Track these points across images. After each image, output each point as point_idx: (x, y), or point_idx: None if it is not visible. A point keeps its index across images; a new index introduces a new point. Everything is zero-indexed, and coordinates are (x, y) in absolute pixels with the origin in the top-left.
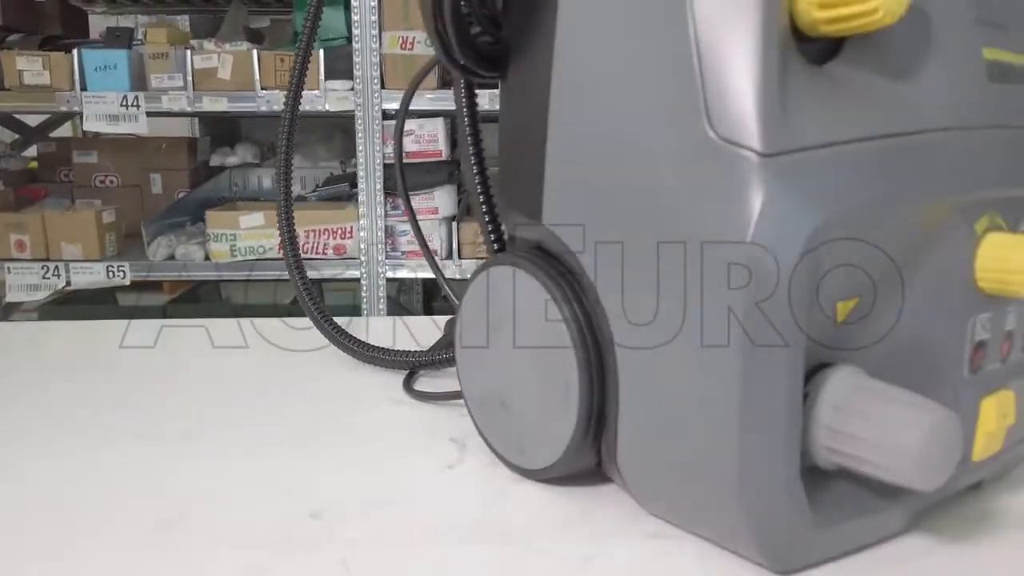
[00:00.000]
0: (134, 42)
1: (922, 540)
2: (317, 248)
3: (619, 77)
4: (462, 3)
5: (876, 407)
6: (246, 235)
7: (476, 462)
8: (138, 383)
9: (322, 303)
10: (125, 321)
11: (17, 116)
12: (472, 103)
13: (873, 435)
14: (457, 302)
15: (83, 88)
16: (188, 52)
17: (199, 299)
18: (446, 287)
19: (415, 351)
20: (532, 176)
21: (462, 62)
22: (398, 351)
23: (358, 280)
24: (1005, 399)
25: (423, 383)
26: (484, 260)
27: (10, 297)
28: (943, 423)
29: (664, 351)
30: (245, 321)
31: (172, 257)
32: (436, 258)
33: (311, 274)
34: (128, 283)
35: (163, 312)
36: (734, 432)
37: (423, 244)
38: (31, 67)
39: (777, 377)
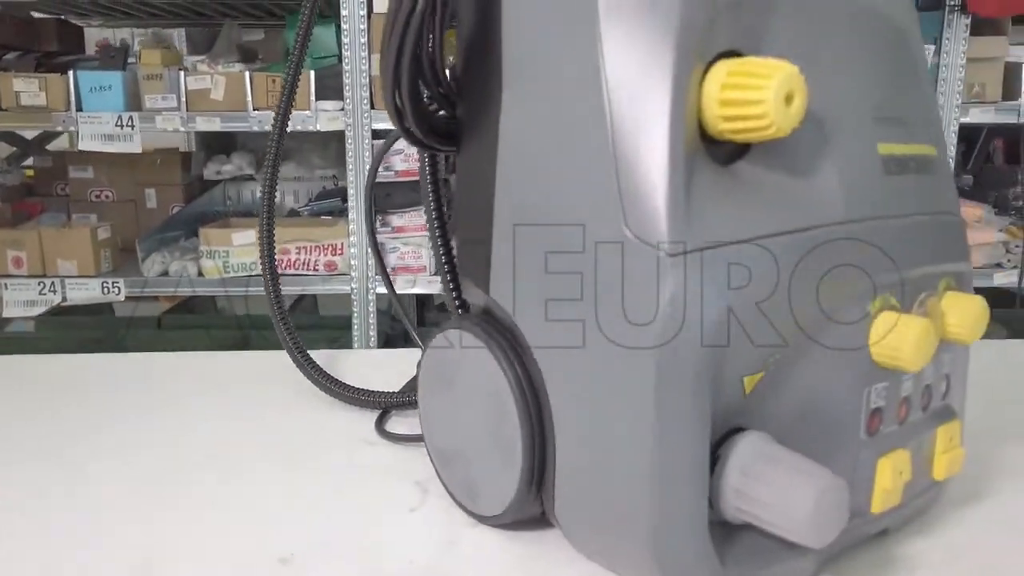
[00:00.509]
0: (129, 61)
1: None
2: (309, 264)
3: (552, 169)
4: (422, 79)
5: (774, 473)
6: (239, 252)
7: (436, 505)
8: (106, 422)
9: (303, 344)
10: (100, 355)
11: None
12: (435, 171)
13: (771, 499)
14: (413, 331)
15: (79, 108)
16: (182, 73)
17: (194, 310)
18: (405, 321)
19: (385, 392)
20: (482, 249)
21: (418, 136)
22: (369, 392)
23: (349, 295)
24: (901, 458)
25: (395, 423)
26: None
27: (7, 313)
28: (830, 489)
29: (589, 418)
30: (226, 355)
31: (166, 273)
32: (424, 274)
33: (307, 290)
34: (123, 299)
35: (158, 323)
36: (647, 490)
37: (383, 271)
38: (28, 88)
39: (685, 444)
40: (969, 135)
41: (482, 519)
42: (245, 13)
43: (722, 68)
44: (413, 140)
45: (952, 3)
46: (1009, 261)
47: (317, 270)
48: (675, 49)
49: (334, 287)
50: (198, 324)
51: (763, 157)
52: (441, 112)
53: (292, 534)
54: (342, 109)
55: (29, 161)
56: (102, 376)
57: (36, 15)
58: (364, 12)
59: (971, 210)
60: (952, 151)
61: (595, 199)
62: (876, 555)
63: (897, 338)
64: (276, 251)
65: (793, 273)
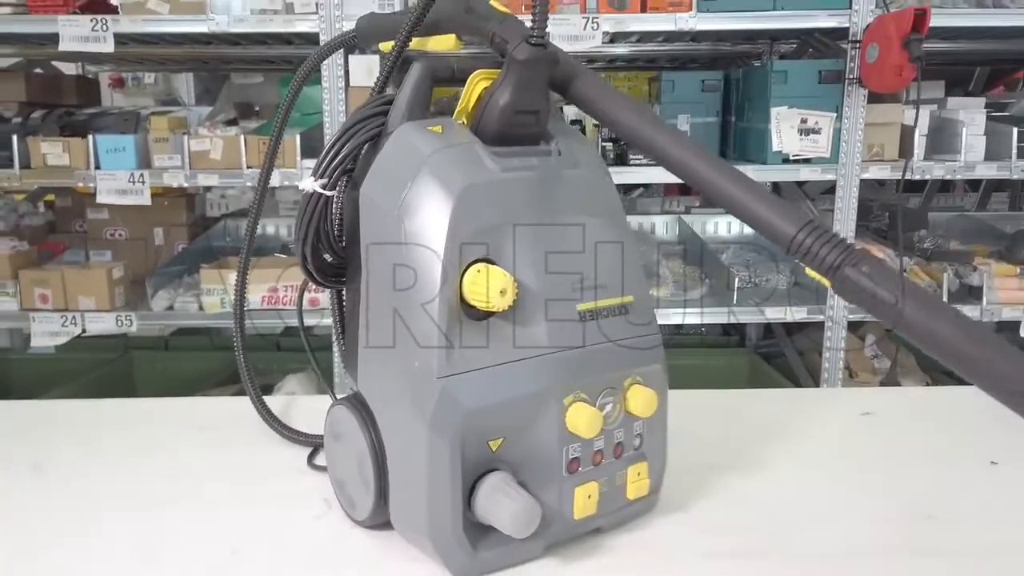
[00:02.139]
0: (140, 123)
1: (553, 559)
2: (294, 301)
3: (384, 316)
4: (320, 244)
5: (497, 496)
6: (233, 289)
7: (334, 514)
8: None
9: (259, 392)
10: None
11: None
12: (339, 301)
13: (495, 511)
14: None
15: (97, 167)
16: (185, 137)
17: (196, 331)
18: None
19: (314, 434)
20: (352, 355)
21: (316, 277)
22: (302, 433)
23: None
24: (591, 487)
25: (322, 457)
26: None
27: (34, 343)
28: (522, 507)
29: (400, 465)
30: (206, 399)
31: (172, 307)
32: None
33: (290, 323)
34: (134, 330)
35: (165, 345)
36: (425, 507)
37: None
38: (53, 150)
39: (445, 479)
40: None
41: (357, 523)
42: (245, 62)
43: (471, 271)
44: (313, 280)
45: (851, 77)
46: None
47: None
48: (444, 260)
49: (319, 320)
50: (200, 347)
51: (502, 317)
52: (332, 261)
53: (240, 532)
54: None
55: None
56: (107, 419)
57: (56, 64)
58: (342, 84)
59: (875, 253)
60: (855, 203)
61: (404, 339)
62: (590, 542)
63: (575, 419)
64: (267, 288)
65: (517, 383)
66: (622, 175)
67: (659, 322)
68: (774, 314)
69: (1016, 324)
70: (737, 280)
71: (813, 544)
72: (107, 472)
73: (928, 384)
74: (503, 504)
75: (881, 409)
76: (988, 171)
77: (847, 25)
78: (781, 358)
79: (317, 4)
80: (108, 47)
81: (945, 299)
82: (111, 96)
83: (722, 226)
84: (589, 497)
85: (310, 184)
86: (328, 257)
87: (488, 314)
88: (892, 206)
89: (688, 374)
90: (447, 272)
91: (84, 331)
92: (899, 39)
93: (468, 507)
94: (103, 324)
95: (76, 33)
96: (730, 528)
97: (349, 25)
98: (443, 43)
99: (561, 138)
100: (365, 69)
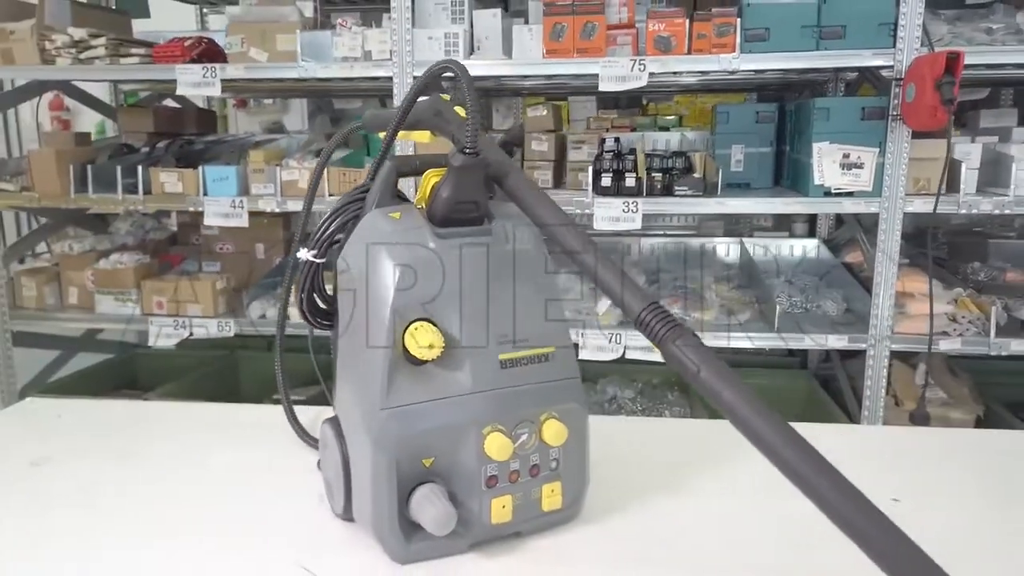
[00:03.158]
0: (243, 155)
1: (476, 555)
2: None
3: (353, 357)
4: (315, 296)
5: (424, 503)
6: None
7: (324, 508)
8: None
9: (290, 400)
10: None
11: None
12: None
13: (421, 513)
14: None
15: (205, 193)
16: (278, 168)
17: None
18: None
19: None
20: (332, 383)
21: (310, 319)
22: (315, 439)
23: None
24: (505, 499)
25: None
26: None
27: (151, 342)
28: (441, 512)
29: (357, 473)
30: (246, 407)
31: (264, 316)
32: None
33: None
34: (232, 335)
35: (268, 345)
36: (370, 507)
37: (310, 342)
38: (169, 179)
39: (383, 488)
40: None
41: (337, 515)
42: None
43: (411, 328)
44: (309, 323)
45: (894, 114)
46: (955, 330)
47: None
48: (389, 318)
49: None
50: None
51: (436, 363)
52: (324, 306)
53: (245, 516)
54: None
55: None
56: (161, 421)
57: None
58: None
59: (915, 284)
60: (898, 236)
61: (360, 377)
62: (509, 543)
63: (490, 445)
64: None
65: (443, 415)
66: (667, 205)
67: (711, 344)
68: (814, 341)
69: None
70: (778, 306)
71: (708, 558)
72: (169, 462)
73: (979, 417)
74: (426, 509)
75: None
76: None
77: (891, 63)
78: (837, 382)
79: (391, 52)
80: (216, 91)
81: (992, 332)
82: (236, 116)
83: (784, 249)
84: (504, 507)
85: (304, 254)
86: (322, 304)
87: (424, 361)
88: (956, 235)
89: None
90: (391, 327)
91: (191, 334)
92: (932, 81)
93: (406, 508)
94: (207, 329)
95: (190, 79)
96: (637, 539)
97: (420, 70)
98: (421, 136)
99: (501, 220)
100: None
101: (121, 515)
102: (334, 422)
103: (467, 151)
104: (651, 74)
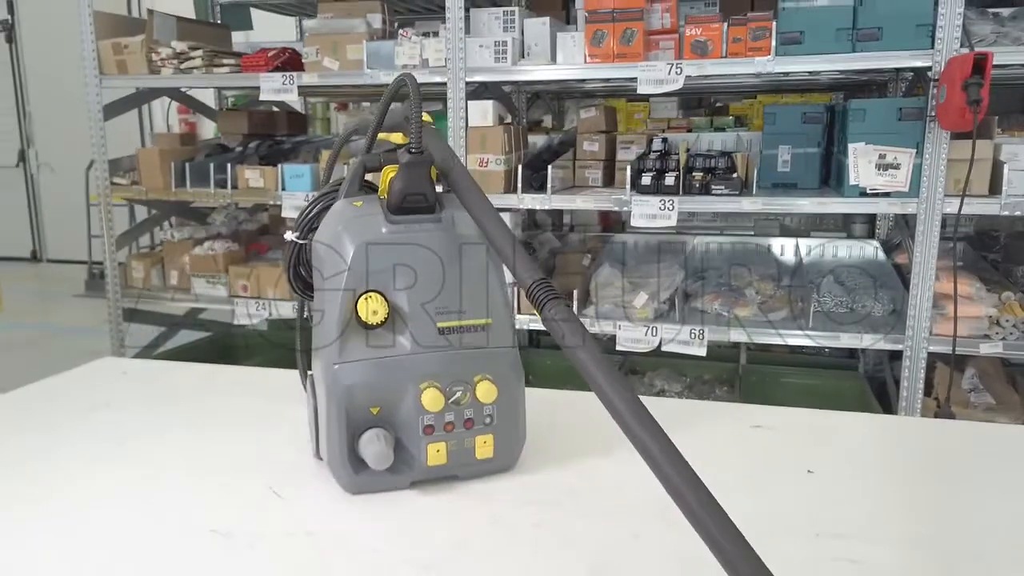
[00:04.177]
0: (318, 155)
1: (414, 491)
2: None
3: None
4: (301, 270)
5: (368, 443)
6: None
7: (310, 452)
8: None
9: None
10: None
11: None
12: (301, 310)
13: (365, 452)
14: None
15: (283, 188)
16: (345, 167)
17: None
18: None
19: None
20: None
21: (296, 290)
22: None
23: None
24: (440, 445)
25: None
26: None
27: (236, 321)
28: (378, 451)
29: (321, 417)
30: (272, 371)
31: None
32: None
33: None
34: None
35: None
36: (326, 446)
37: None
38: (253, 175)
39: (336, 429)
40: None
41: (315, 456)
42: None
43: (363, 298)
44: (295, 292)
45: (931, 115)
46: (997, 334)
47: None
48: (344, 288)
49: None
50: None
51: (384, 328)
52: (308, 280)
53: (244, 456)
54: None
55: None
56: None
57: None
58: (463, 124)
59: (963, 287)
60: (936, 236)
61: (322, 337)
62: (445, 483)
63: (425, 398)
64: None
65: (387, 372)
66: (704, 204)
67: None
68: (849, 341)
69: None
70: (813, 305)
71: (602, 505)
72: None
73: None
74: (368, 448)
75: (772, 424)
76: None
77: (930, 64)
78: (887, 384)
79: (447, 59)
80: (293, 97)
81: None
82: (337, 118)
83: (842, 249)
84: (439, 451)
85: (290, 235)
86: (307, 278)
87: (371, 325)
88: (1016, 238)
89: (798, 393)
90: (346, 297)
91: (271, 315)
92: (960, 82)
93: (356, 448)
94: (283, 310)
95: (271, 86)
96: (560, 488)
97: (471, 77)
98: (396, 137)
99: (451, 209)
100: (480, 113)
101: (147, 452)
102: (311, 377)
103: (412, 151)
104: (687, 77)
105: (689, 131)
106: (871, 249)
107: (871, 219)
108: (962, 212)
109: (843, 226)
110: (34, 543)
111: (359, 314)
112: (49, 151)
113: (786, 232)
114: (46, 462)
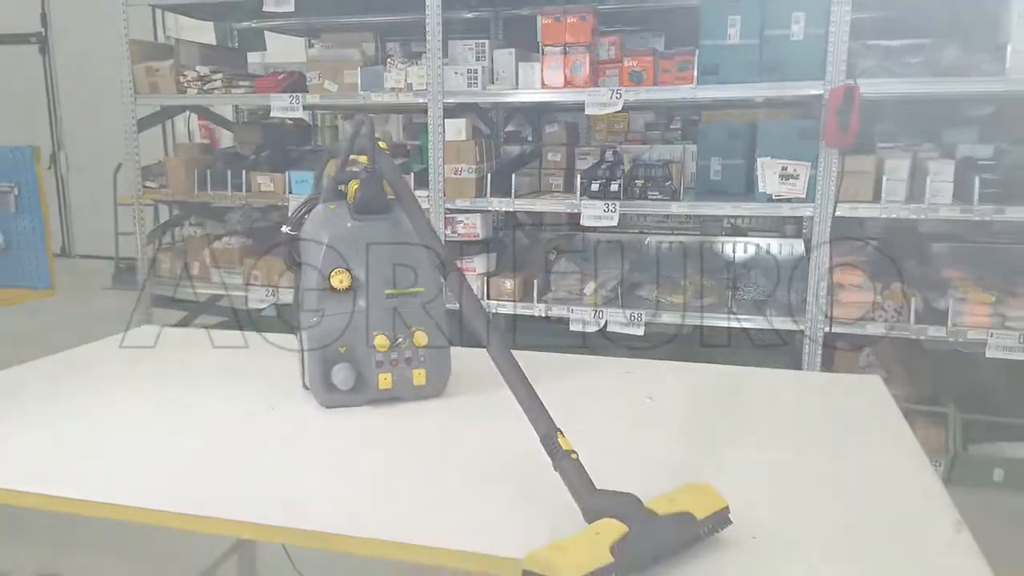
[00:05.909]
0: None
1: (368, 408)
2: None
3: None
4: (293, 253)
5: (337, 371)
6: None
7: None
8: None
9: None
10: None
11: None
12: (298, 287)
13: (335, 377)
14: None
15: (290, 191)
16: None
17: None
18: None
19: None
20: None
21: (290, 266)
22: None
23: None
24: (388, 375)
25: None
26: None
27: (249, 306)
28: (343, 375)
29: (305, 355)
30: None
31: None
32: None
33: None
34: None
35: None
36: (308, 373)
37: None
38: (264, 180)
39: (316, 362)
40: None
41: (303, 386)
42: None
43: (333, 273)
44: (289, 267)
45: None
46: (880, 316)
47: None
48: (320, 266)
49: None
50: None
51: (347, 293)
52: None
53: (257, 390)
54: (427, 196)
55: None
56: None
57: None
58: (441, 141)
59: (849, 277)
60: (827, 234)
61: (305, 302)
62: (393, 403)
63: (376, 342)
64: None
65: (349, 321)
66: (640, 207)
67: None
68: (764, 323)
69: (982, 344)
70: (731, 293)
71: (496, 417)
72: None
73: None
74: (337, 375)
75: (638, 371)
76: (952, 213)
77: (822, 92)
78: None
79: (427, 84)
80: (298, 114)
81: (912, 320)
82: (343, 126)
83: (774, 247)
84: (386, 379)
85: (285, 229)
86: (296, 258)
87: (338, 290)
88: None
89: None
90: (322, 272)
91: (278, 301)
92: (833, 109)
93: (329, 376)
94: (289, 297)
95: (280, 105)
96: (472, 407)
97: (448, 99)
98: (363, 158)
99: (396, 211)
100: (455, 130)
101: (185, 385)
102: (299, 328)
103: (368, 170)
104: (625, 101)
105: (643, 143)
106: (800, 247)
107: (799, 220)
108: (853, 216)
109: (780, 227)
110: (141, 427)
111: (331, 283)
112: (78, 154)
113: (731, 232)
114: (132, 380)
